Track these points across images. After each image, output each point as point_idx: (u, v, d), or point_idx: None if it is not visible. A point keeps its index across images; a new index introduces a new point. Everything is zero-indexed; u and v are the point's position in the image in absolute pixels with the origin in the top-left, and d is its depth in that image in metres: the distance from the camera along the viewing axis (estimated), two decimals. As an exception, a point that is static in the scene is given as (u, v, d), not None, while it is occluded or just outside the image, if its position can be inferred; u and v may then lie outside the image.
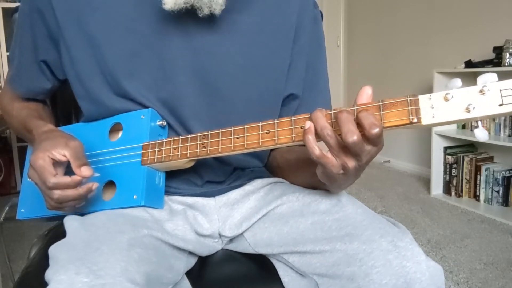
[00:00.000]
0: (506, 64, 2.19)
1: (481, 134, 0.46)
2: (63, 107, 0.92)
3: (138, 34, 0.64)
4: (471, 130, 2.55)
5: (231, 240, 0.72)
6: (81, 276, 0.45)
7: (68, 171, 0.60)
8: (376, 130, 0.45)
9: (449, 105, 0.45)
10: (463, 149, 2.59)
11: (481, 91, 0.43)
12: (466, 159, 2.50)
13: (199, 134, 0.60)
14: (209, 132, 0.59)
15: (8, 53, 2.75)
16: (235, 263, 0.71)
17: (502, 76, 0.41)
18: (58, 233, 0.64)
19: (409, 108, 0.46)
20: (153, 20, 0.64)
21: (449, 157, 2.57)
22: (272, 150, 0.81)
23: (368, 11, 3.70)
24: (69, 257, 0.49)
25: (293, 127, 0.53)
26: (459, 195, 2.55)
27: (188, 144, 0.61)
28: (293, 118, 0.53)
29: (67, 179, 0.58)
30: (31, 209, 0.72)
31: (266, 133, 0.55)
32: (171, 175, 0.68)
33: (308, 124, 0.49)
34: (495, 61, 2.28)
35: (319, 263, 0.58)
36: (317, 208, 0.63)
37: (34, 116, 0.72)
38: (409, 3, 3.17)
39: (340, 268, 0.55)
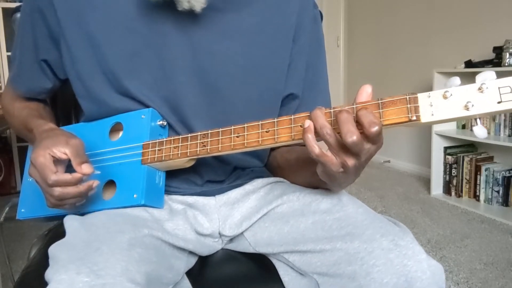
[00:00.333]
0: (506, 64, 2.19)
1: (480, 132, 0.46)
2: (63, 107, 0.92)
3: (138, 34, 0.64)
4: (471, 130, 2.54)
5: (231, 239, 0.72)
6: (82, 276, 0.45)
7: (69, 170, 0.60)
8: (375, 129, 0.45)
9: (448, 103, 0.45)
10: (463, 149, 2.59)
11: (479, 89, 0.44)
12: (466, 159, 2.50)
13: (199, 133, 0.60)
14: (209, 131, 0.59)
15: (8, 53, 2.76)
16: (235, 262, 0.71)
17: (502, 76, 0.41)
18: (58, 233, 0.64)
19: (408, 106, 0.46)
20: (153, 20, 0.64)
21: (449, 157, 2.57)
22: (272, 150, 0.81)
23: (368, 11, 3.70)
24: (69, 257, 0.49)
25: (292, 125, 0.53)
26: (459, 195, 2.55)
27: (188, 143, 0.61)
28: (292, 117, 0.53)
29: (67, 176, 0.57)
30: (31, 209, 0.72)
31: (266, 131, 0.55)
32: (171, 174, 0.68)
33: (308, 123, 0.49)
34: (495, 61, 2.28)
35: (319, 262, 0.58)
36: (317, 207, 0.63)
37: (35, 115, 0.72)
38: (409, 3, 3.17)
39: (341, 267, 0.55)
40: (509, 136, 2.31)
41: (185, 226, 0.66)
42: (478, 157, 2.48)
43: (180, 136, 0.62)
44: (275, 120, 0.54)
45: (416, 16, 3.11)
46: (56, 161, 0.58)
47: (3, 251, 1.22)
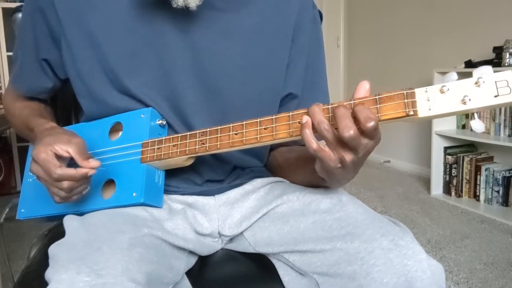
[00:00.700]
0: (506, 64, 2.19)
1: (477, 126, 0.47)
2: (63, 107, 0.92)
3: (138, 34, 0.64)
4: (471, 130, 2.55)
5: (231, 239, 0.72)
6: (82, 275, 0.45)
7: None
8: (371, 124, 0.45)
9: (445, 98, 0.45)
10: (463, 149, 2.59)
11: (476, 83, 0.44)
12: (466, 159, 2.50)
13: (198, 131, 0.60)
14: (208, 129, 0.59)
15: (8, 53, 2.76)
16: (235, 262, 0.71)
17: (502, 75, 0.41)
18: (58, 233, 0.64)
19: (406, 101, 0.47)
20: (152, 20, 0.64)
21: (449, 157, 2.57)
22: (272, 150, 0.81)
23: (368, 11, 3.70)
24: (69, 256, 0.49)
25: (291, 122, 0.53)
26: (459, 195, 2.55)
27: (187, 141, 0.61)
28: (291, 114, 0.53)
29: (72, 171, 0.57)
30: (31, 209, 0.72)
31: (264, 128, 0.55)
32: (170, 174, 0.68)
33: (305, 119, 0.50)
34: (495, 61, 2.28)
35: (319, 262, 0.58)
36: (317, 207, 0.63)
37: (36, 115, 0.72)
38: (409, 3, 3.17)
39: (341, 267, 0.55)
40: (509, 136, 2.31)
41: (185, 225, 0.66)
42: (478, 157, 2.48)
43: (179, 135, 0.62)
44: (273, 117, 0.55)
45: (416, 16, 3.11)
46: (58, 158, 0.58)
47: (3, 251, 1.22)
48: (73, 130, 0.69)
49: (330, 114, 0.50)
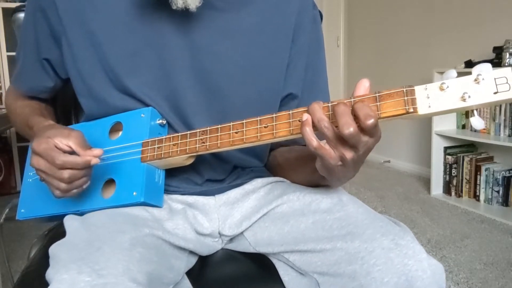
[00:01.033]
0: (506, 64, 2.19)
1: (477, 123, 0.47)
2: (63, 107, 0.92)
3: (139, 34, 0.64)
4: (471, 130, 2.55)
5: (231, 239, 0.72)
6: (83, 275, 0.45)
7: None
8: (371, 121, 0.45)
9: (445, 95, 0.45)
10: (463, 149, 2.59)
11: (475, 80, 0.44)
12: (466, 159, 2.50)
13: (198, 130, 0.60)
14: (208, 128, 0.59)
15: (8, 53, 2.76)
16: (235, 262, 0.71)
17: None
18: (58, 233, 0.64)
19: (405, 98, 0.47)
20: (153, 20, 0.64)
21: (449, 157, 2.57)
22: (272, 149, 0.81)
23: (368, 11, 3.70)
24: (70, 256, 0.49)
25: (291, 120, 0.53)
26: (459, 195, 2.55)
27: (188, 140, 0.61)
28: (291, 112, 0.54)
29: (76, 158, 0.57)
30: (31, 209, 0.72)
31: (265, 127, 0.55)
32: (170, 174, 0.68)
33: (306, 116, 0.50)
34: (495, 61, 2.28)
35: (320, 262, 0.58)
36: (318, 207, 0.63)
37: (36, 113, 0.72)
38: (409, 3, 3.17)
39: (342, 266, 0.55)
40: (509, 136, 2.31)
41: (185, 225, 0.66)
42: (478, 157, 2.48)
43: (180, 134, 0.62)
44: (274, 115, 0.55)
45: (416, 16, 3.11)
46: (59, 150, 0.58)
47: (3, 251, 1.22)
48: None
49: (330, 112, 0.50)
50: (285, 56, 0.71)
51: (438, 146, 2.61)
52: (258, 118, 0.56)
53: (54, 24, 0.67)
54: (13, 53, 0.82)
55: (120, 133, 0.68)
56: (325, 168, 0.54)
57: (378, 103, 0.48)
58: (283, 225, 0.65)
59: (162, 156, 0.62)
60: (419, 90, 0.47)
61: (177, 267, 0.62)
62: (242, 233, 0.70)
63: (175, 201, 0.70)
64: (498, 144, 2.34)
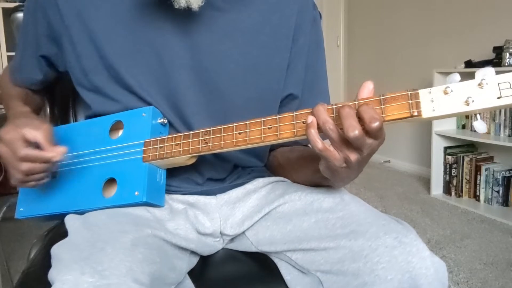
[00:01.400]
0: (506, 64, 2.20)
1: (480, 127, 0.47)
2: (61, 106, 0.92)
3: (139, 32, 0.65)
4: (471, 130, 2.55)
5: (233, 239, 0.72)
6: (86, 276, 0.45)
7: None
8: (376, 124, 0.45)
9: (449, 99, 0.46)
10: (463, 149, 2.60)
11: (479, 84, 0.45)
12: (466, 159, 2.50)
13: (201, 130, 0.60)
14: (211, 128, 0.59)
15: (8, 53, 2.77)
16: (237, 262, 0.71)
17: (502, 76, 0.41)
18: (59, 233, 0.64)
19: (410, 101, 0.47)
20: (153, 19, 0.64)
21: (449, 157, 2.57)
22: (271, 150, 0.81)
23: (368, 11, 3.70)
24: (73, 257, 0.49)
25: (295, 122, 0.53)
26: (459, 195, 2.55)
27: (190, 140, 0.61)
28: (295, 114, 0.54)
29: (37, 152, 0.58)
30: (30, 208, 0.72)
31: (268, 128, 0.55)
32: (171, 174, 0.68)
33: (311, 119, 0.50)
34: (495, 61, 2.28)
35: (323, 260, 0.58)
36: (320, 206, 0.63)
37: (19, 98, 0.75)
38: (409, 3, 3.18)
39: (345, 264, 0.55)
40: (509, 136, 2.31)
41: (186, 225, 0.66)
42: (478, 157, 2.48)
43: (182, 134, 0.62)
44: (277, 117, 0.55)
45: (416, 16, 3.12)
46: (25, 141, 0.59)
47: (1, 251, 1.21)
48: (73, 129, 0.70)
49: (334, 114, 0.50)
50: (285, 56, 0.71)
51: (438, 146, 2.62)
52: (262, 119, 0.56)
53: (54, 23, 0.67)
54: (13, 53, 0.82)
55: (121, 132, 0.68)
56: (329, 169, 0.54)
57: (382, 106, 0.48)
58: (285, 224, 0.65)
59: (165, 156, 0.62)
60: (423, 93, 0.47)
61: (179, 267, 0.62)
62: (243, 232, 0.70)
63: (176, 201, 0.70)
64: (498, 144, 2.34)
